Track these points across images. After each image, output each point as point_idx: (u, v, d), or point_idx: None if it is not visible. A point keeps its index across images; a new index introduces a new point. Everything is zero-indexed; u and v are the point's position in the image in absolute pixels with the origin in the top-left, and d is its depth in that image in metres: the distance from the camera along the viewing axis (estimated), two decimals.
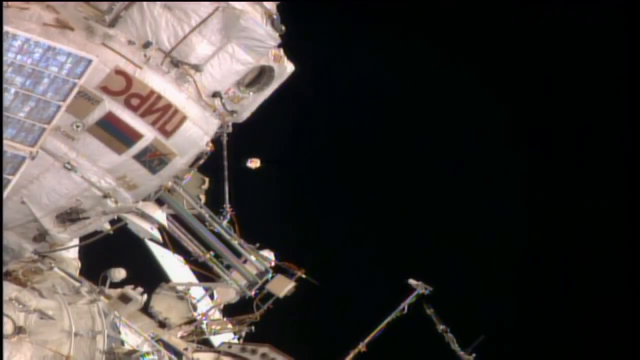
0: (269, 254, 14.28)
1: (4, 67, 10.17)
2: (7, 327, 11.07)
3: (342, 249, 21.62)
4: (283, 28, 11.86)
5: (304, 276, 14.19)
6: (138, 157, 11.62)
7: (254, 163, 14.45)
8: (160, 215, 11.39)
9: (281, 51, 12.20)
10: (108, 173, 11.66)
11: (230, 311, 15.06)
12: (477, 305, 21.20)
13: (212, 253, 13.76)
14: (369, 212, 22.48)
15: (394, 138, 22.98)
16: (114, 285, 12.82)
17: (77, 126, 11.27)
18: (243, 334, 14.63)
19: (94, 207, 11.79)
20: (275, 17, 11.82)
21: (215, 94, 11.78)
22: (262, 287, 14.00)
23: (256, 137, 14.17)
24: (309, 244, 19.88)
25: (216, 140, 12.72)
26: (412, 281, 14.36)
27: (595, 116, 22.76)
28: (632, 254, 21.36)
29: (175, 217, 13.46)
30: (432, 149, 23.05)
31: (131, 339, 12.16)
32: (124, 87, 11.23)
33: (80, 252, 13.58)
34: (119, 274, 12.81)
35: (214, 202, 14.06)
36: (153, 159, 11.69)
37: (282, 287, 13.96)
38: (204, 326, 14.68)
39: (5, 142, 10.47)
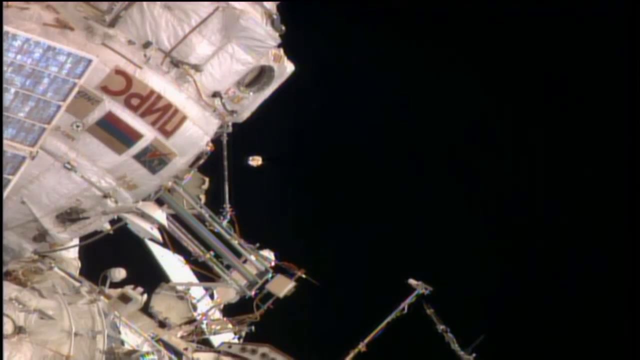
0: (269, 254, 14.28)
1: (4, 67, 10.17)
2: (7, 327, 11.07)
3: (342, 248, 21.62)
4: (283, 28, 11.86)
5: (304, 276, 14.18)
6: (138, 157, 11.62)
7: (255, 161, 14.46)
8: (160, 215, 11.38)
9: (281, 51, 12.20)
10: (108, 173, 11.66)
11: (230, 311, 15.06)
12: (477, 305, 21.21)
13: (212, 253, 13.75)
14: (369, 212, 22.48)
15: (393, 137, 22.99)
16: (114, 285, 12.81)
17: (77, 126, 11.27)
18: (243, 334, 14.63)
19: (94, 207, 11.79)
20: (275, 17, 11.82)
21: (215, 94, 11.78)
22: (262, 287, 13.99)
23: (256, 137, 14.17)
24: (309, 243, 19.87)
25: (216, 140, 12.72)
26: (412, 281, 14.36)
27: (594, 113, 22.78)
28: (632, 251, 21.37)
29: (175, 217, 13.46)
30: (431, 148, 23.07)
31: (131, 339, 12.16)
32: (124, 87, 11.23)
33: (80, 252, 13.58)
34: (119, 274, 12.81)
35: (214, 202, 14.06)
36: (153, 158, 11.69)
37: (282, 287, 13.95)
38: (204, 326, 14.68)
39: (5, 142, 10.47)
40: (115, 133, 11.41)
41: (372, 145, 22.91)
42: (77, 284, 12.63)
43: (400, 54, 22.41)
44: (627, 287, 21.33)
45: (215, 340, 14.78)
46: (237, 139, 13.23)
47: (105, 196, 11.69)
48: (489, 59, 22.74)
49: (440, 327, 14.42)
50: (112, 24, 11.23)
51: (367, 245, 21.85)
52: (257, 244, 14.24)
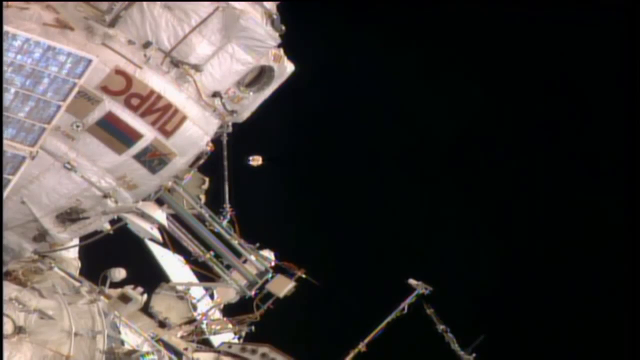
0: (269, 254, 14.28)
1: (4, 67, 10.17)
2: (7, 327, 11.07)
3: (343, 248, 21.62)
4: (283, 28, 11.86)
5: (304, 276, 14.19)
6: (138, 157, 11.62)
7: (255, 161, 14.46)
8: (160, 215, 11.38)
9: (281, 51, 12.21)
10: (108, 173, 11.66)
11: (230, 311, 15.06)
12: (477, 305, 21.21)
13: (212, 253, 13.75)
14: (369, 212, 22.48)
15: (393, 137, 22.99)
16: (114, 285, 12.81)
17: (77, 126, 11.27)
18: (243, 334, 14.63)
19: (94, 207, 11.79)
20: (275, 17, 11.83)
21: (215, 94, 11.78)
22: (262, 287, 13.99)
23: (256, 137, 14.17)
24: (309, 244, 19.88)
25: (216, 140, 12.72)
26: (412, 281, 14.37)
27: (594, 113, 22.79)
28: (632, 251, 21.37)
29: (175, 217, 13.46)
30: (431, 148, 23.07)
31: (131, 339, 12.17)
32: (124, 87, 11.23)
33: (80, 252, 13.58)
34: (119, 274, 12.81)
35: (214, 202, 14.06)
36: (153, 158, 11.69)
37: (282, 287, 13.95)
38: (204, 326, 14.69)
39: (5, 142, 10.47)
40: (115, 133, 11.41)
41: (372, 145, 22.91)
42: (77, 284, 12.63)
43: (400, 54, 22.41)
44: (627, 288, 21.33)
45: (215, 340, 14.78)
46: (237, 139, 13.23)
47: (105, 196, 11.69)
48: (489, 59, 22.74)
49: (440, 327, 14.43)
50: (112, 24, 11.24)
51: (367, 245, 21.85)
52: (257, 244, 14.24)
